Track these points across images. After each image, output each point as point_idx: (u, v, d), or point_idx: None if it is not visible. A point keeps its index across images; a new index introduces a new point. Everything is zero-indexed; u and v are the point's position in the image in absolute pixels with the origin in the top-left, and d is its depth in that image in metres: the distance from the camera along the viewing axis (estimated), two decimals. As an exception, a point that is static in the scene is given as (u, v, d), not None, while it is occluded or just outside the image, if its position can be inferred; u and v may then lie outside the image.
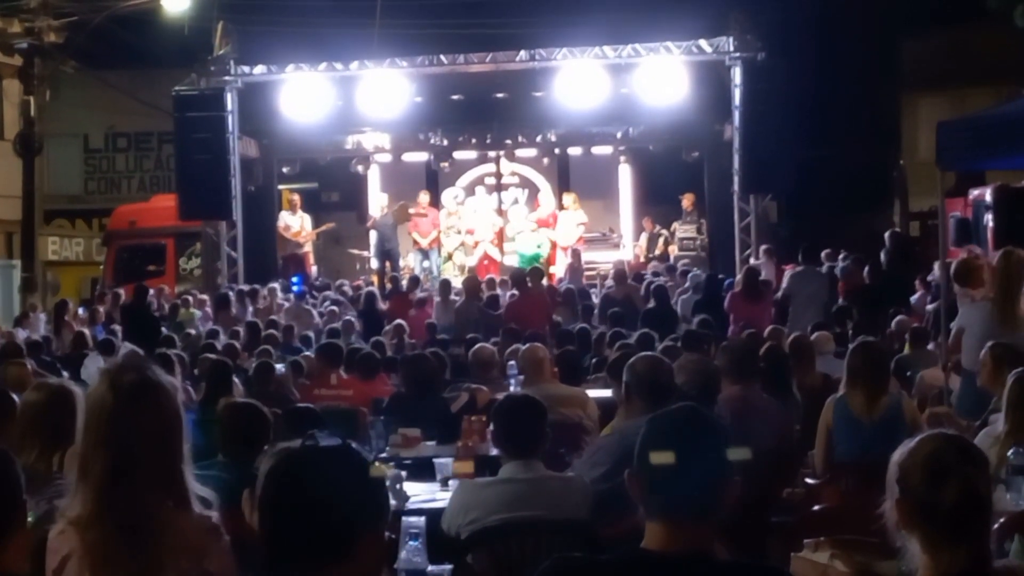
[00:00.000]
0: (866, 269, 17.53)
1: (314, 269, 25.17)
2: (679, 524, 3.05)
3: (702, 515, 3.05)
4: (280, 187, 25.80)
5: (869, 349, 7.94)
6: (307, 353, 13.53)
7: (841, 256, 18.97)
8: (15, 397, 5.99)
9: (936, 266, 14.93)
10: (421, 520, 4.93)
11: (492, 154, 26.02)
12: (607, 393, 8.78)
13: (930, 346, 11.91)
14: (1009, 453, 6.02)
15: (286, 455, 2.91)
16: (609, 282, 19.82)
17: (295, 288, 21.98)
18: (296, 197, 24.94)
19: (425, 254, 24.58)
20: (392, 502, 6.51)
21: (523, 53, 22.46)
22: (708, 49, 21.97)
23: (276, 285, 21.11)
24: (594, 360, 12.80)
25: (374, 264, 25.39)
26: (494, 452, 6.46)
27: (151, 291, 19.93)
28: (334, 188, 28.47)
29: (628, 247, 25.89)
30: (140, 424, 3.49)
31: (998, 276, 9.62)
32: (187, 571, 3.46)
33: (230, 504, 3.83)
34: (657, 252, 24.73)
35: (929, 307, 14.74)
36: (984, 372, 7.99)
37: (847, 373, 7.75)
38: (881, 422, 7.47)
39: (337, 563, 2.83)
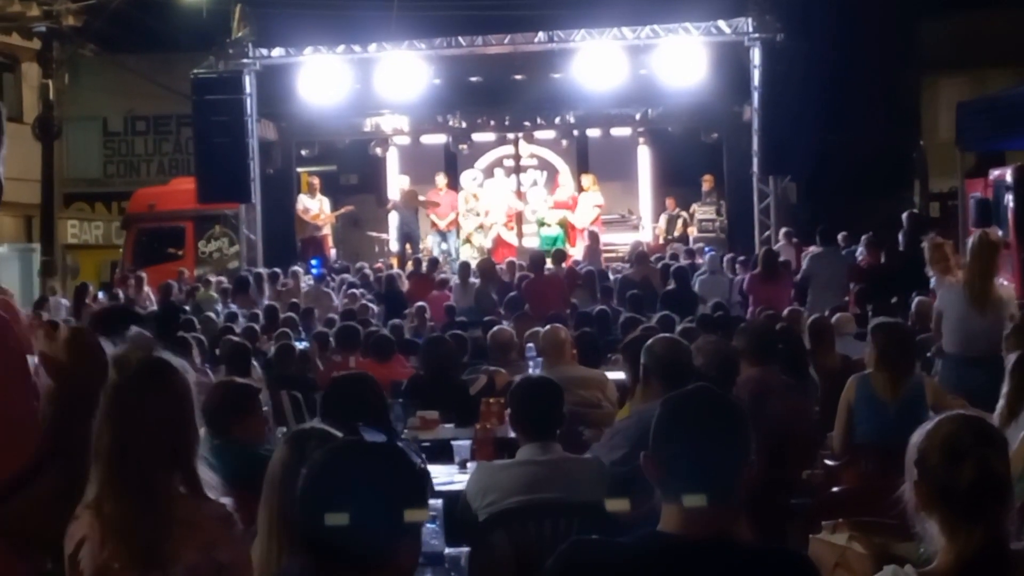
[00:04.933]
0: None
1: (333, 252, 25.16)
2: (695, 506, 3.02)
3: (718, 497, 3.03)
4: (299, 170, 25.84)
5: (896, 330, 7.89)
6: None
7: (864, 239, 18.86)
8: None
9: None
10: (439, 503, 4.92)
11: (511, 136, 25.99)
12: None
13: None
14: None
15: (331, 452, 2.80)
16: (627, 264, 19.73)
17: (314, 271, 22.01)
18: (315, 180, 24.94)
19: (443, 236, 24.53)
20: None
21: (541, 35, 22.37)
22: (727, 30, 21.85)
23: (299, 268, 21.12)
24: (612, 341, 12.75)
25: (394, 246, 25.38)
26: (512, 434, 6.45)
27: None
28: (353, 171, 28.43)
29: (647, 229, 25.84)
30: (145, 402, 3.49)
31: (971, 258, 9.57)
32: (198, 563, 3.44)
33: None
34: (676, 233, 24.67)
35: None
36: None
37: (873, 354, 7.69)
38: (904, 404, 7.43)
39: (379, 566, 2.73)
